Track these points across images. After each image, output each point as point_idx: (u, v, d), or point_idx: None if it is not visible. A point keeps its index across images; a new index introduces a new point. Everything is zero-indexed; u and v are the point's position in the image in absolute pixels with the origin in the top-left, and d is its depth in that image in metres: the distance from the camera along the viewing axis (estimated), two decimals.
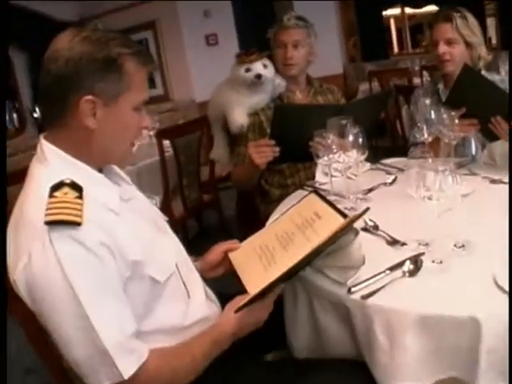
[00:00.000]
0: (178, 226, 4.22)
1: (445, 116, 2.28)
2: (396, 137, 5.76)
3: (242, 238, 1.77)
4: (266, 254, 1.61)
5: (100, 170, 1.44)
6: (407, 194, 2.03)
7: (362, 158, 2.05)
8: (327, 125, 2.05)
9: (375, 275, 1.48)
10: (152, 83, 8.06)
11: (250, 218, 3.06)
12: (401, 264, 1.52)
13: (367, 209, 1.52)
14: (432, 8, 13.83)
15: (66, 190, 1.26)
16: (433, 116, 2.31)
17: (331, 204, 1.64)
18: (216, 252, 1.76)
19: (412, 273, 1.49)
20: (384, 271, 1.50)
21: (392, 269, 1.51)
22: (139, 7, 7.83)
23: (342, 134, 2.03)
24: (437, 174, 1.53)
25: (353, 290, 1.43)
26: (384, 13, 11.01)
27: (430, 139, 2.34)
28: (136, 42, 1.47)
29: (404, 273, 1.49)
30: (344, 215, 1.53)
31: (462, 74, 2.35)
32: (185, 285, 1.51)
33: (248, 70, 2.70)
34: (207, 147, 4.02)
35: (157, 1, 7.72)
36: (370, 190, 2.28)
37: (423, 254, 1.57)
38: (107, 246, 1.26)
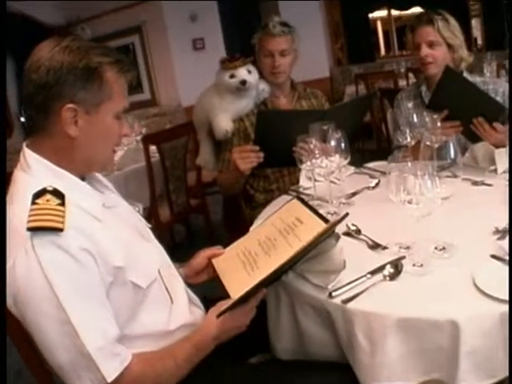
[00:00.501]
0: (165, 231, 4.23)
1: (427, 119, 2.30)
2: (381, 139, 5.78)
3: (228, 243, 1.79)
4: (248, 259, 1.63)
5: (83, 178, 1.46)
6: (389, 198, 2.06)
7: (345, 162, 2.06)
8: (309, 130, 2.07)
9: (356, 279, 1.50)
10: (139, 88, 8.05)
11: (236, 222, 3.07)
12: (381, 268, 1.54)
13: (346, 214, 1.55)
14: (418, 10, 13.85)
15: (48, 197, 1.28)
16: (415, 119, 2.33)
17: (313, 209, 1.66)
18: (200, 258, 1.77)
19: (392, 276, 1.51)
20: (365, 275, 1.52)
21: (373, 273, 1.53)
22: (125, 11, 7.78)
23: (325, 139, 2.04)
24: (416, 178, 1.53)
25: (334, 294, 1.45)
26: (370, 15, 11.03)
27: (412, 142, 2.36)
28: (121, 47, 1.49)
29: (385, 277, 1.51)
30: (325, 220, 1.55)
31: (444, 76, 2.36)
32: (167, 290, 1.53)
33: (232, 76, 2.72)
34: (194, 152, 4.03)
35: (143, 5, 7.69)
36: (354, 194, 2.30)
37: (404, 257, 1.59)
38: (89, 251, 1.27)
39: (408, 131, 2.38)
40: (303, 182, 2.49)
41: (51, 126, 1.35)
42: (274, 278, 1.51)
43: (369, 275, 1.52)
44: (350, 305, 1.41)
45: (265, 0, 8.56)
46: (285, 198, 2.32)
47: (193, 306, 1.62)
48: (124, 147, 4.61)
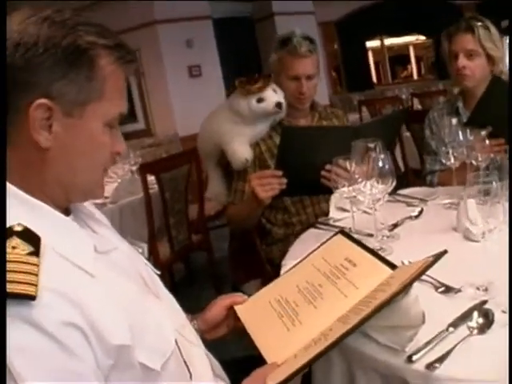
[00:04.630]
0: (164, 270, 3.86)
1: (471, 137, 2.03)
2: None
3: (235, 283, 1.44)
4: (286, 310, 1.29)
5: (66, 211, 1.06)
6: (441, 228, 1.83)
7: (390, 189, 1.72)
8: (352, 148, 1.71)
9: (436, 335, 1.14)
10: (133, 117, 7.80)
11: (245, 260, 2.71)
12: (464, 317, 1.20)
13: (445, 251, 1.16)
14: (411, 38, 13.94)
15: (14, 241, 0.86)
16: (461, 137, 2.03)
17: (367, 248, 1.33)
18: (218, 308, 1.41)
19: (482, 329, 1.16)
20: (446, 329, 1.17)
21: (455, 325, 1.18)
22: (120, 36, 7.47)
23: (364, 160, 1.70)
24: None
25: (414, 358, 1.09)
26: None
27: (457, 164, 2.05)
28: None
29: (471, 329, 1.16)
30: (389, 264, 1.23)
31: (491, 88, 2.10)
32: (186, 363, 1.11)
33: (261, 101, 2.33)
34: (195, 183, 3.72)
35: (138, 30, 7.43)
36: (395, 226, 1.95)
37: (486, 301, 1.25)
38: (77, 325, 0.86)
39: (451, 151, 2.07)
40: (333, 213, 2.14)
41: (16, 131, 0.95)
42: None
43: (451, 328, 1.17)
44: (439, 371, 1.04)
45: (261, 22, 8.42)
46: (314, 232, 2.01)
47: (216, 378, 1.24)
48: (118, 179, 4.31)
